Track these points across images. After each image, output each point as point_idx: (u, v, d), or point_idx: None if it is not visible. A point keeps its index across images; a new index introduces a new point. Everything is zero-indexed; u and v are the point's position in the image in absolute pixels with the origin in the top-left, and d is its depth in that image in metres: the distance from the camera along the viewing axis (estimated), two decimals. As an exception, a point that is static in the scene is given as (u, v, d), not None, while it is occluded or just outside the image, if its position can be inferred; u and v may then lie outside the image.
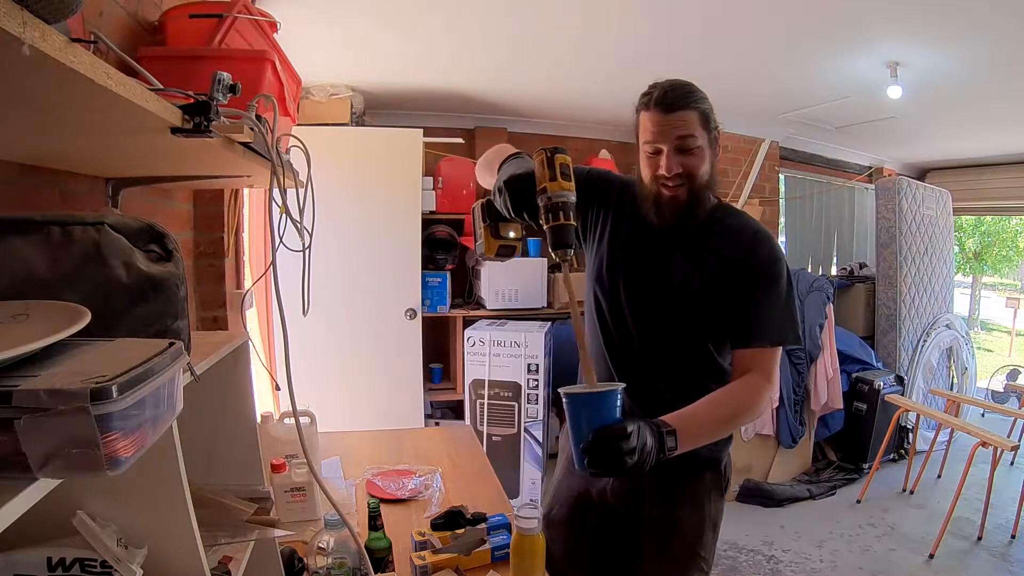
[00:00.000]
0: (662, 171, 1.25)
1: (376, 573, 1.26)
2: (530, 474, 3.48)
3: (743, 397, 1.26)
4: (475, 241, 1.31)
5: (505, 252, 1.28)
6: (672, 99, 1.23)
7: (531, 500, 3.42)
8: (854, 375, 4.16)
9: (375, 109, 3.72)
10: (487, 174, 1.36)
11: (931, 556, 3.04)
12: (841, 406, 4.01)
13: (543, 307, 3.78)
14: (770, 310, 1.28)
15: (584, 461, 1.02)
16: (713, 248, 1.32)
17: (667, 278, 1.33)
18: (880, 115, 3.82)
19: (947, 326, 4.76)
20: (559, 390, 1.05)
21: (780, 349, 1.30)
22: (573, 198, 1.08)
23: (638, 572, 1.40)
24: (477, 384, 3.47)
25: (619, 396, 1.04)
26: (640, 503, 1.39)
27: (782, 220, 4.94)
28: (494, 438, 3.45)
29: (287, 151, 1.36)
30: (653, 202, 1.30)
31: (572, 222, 1.07)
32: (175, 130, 0.80)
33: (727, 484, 1.45)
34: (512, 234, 1.26)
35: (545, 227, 1.09)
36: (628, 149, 4.15)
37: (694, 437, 1.15)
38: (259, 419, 1.44)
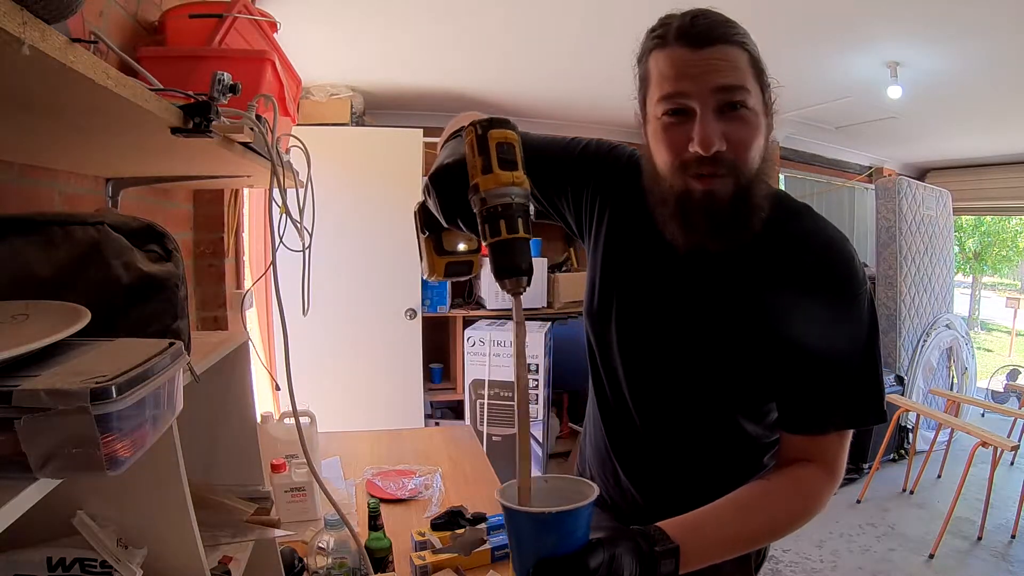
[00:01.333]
0: (694, 147, 0.77)
1: (376, 573, 1.26)
2: (530, 474, 3.48)
3: (791, 501, 0.84)
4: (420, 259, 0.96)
5: (456, 270, 0.92)
6: (707, 26, 0.78)
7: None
8: (854, 375, 4.15)
9: (375, 109, 3.72)
10: None
11: (931, 556, 3.04)
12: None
13: (543, 307, 3.78)
14: (844, 373, 0.84)
15: None
16: (760, 271, 0.86)
17: (679, 324, 0.90)
18: (880, 115, 3.82)
19: (947, 326, 4.76)
20: (496, 495, 0.69)
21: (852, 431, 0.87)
22: (521, 195, 0.70)
23: None
24: (477, 384, 3.47)
25: (586, 514, 0.68)
26: None
27: (782, 220, 4.94)
28: (494, 438, 3.45)
29: (287, 151, 1.36)
30: (675, 206, 0.83)
31: (522, 233, 0.70)
32: (175, 130, 0.80)
33: (761, 562, 1.03)
34: (463, 246, 0.91)
35: (484, 244, 0.73)
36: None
37: (706, 556, 0.77)
38: (259, 419, 1.44)
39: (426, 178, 0.85)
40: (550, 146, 1.05)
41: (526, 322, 0.73)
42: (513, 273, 0.70)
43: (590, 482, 0.71)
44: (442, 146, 0.94)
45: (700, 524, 0.79)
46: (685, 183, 0.81)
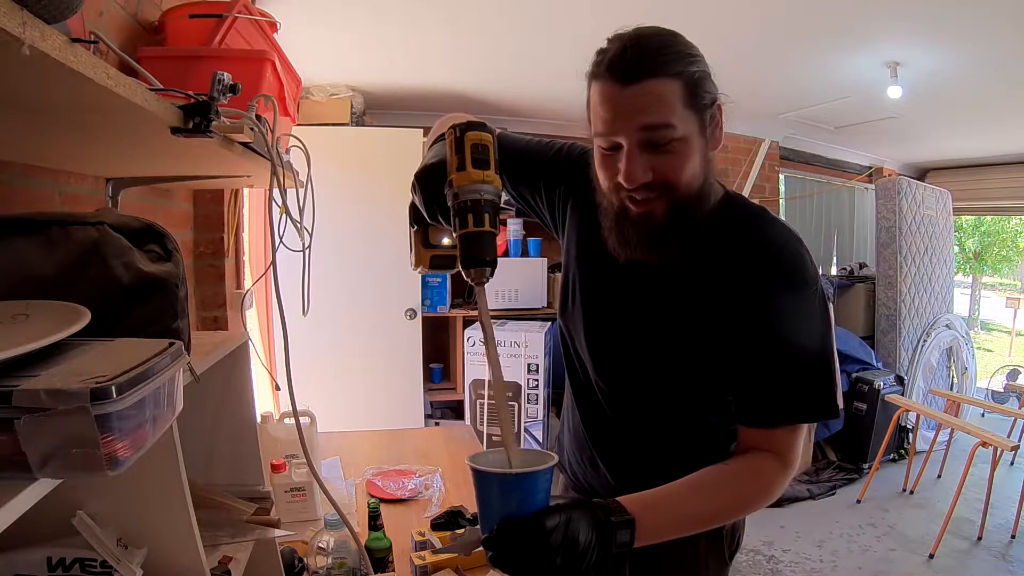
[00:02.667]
0: (621, 179, 0.84)
1: (376, 573, 1.26)
2: (530, 474, 3.48)
3: (744, 488, 0.90)
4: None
5: (441, 263, 0.97)
6: (635, 60, 0.81)
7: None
8: (854, 375, 4.16)
9: (375, 109, 3.71)
10: None
11: (931, 556, 3.04)
12: (841, 406, 4.00)
13: (543, 307, 3.78)
14: (794, 370, 0.88)
15: (489, 555, 0.76)
16: (715, 274, 0.91)
17: (639, 326, 0.97)
18: (880, 115, 3.82)
19: (947, 326, 4.76)
20: (466, 460, 0.77)
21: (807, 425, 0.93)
22: (491, 192, 0.78)
23: None
24: (477, 384, 3.47)
25: (545, 478, 0.75)
26: (619, 566, 1.03)
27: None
28: (494, 438, 3.45)
29: (287, 151, 1.36)
30: (614, 222, 0.91)
31: (488, 228, 0.77)
32: (175, 130, 0.80)
33: (735, 549, 1.10)
34: (447, 240, 0.96)
35: (455, 235, 0.80)
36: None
37: (662, 531, 0.84)
38: (259, 419, 1.44)
39: (415, 174, 0.91)
40: (527, 146, 1.11)
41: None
42: (477, 263, 0.78)
43: (551, 453, 0.79)
44: (430, 147, 0.99)
45: (657, 501, 0.85)
46: (622, 202, 0.89)
